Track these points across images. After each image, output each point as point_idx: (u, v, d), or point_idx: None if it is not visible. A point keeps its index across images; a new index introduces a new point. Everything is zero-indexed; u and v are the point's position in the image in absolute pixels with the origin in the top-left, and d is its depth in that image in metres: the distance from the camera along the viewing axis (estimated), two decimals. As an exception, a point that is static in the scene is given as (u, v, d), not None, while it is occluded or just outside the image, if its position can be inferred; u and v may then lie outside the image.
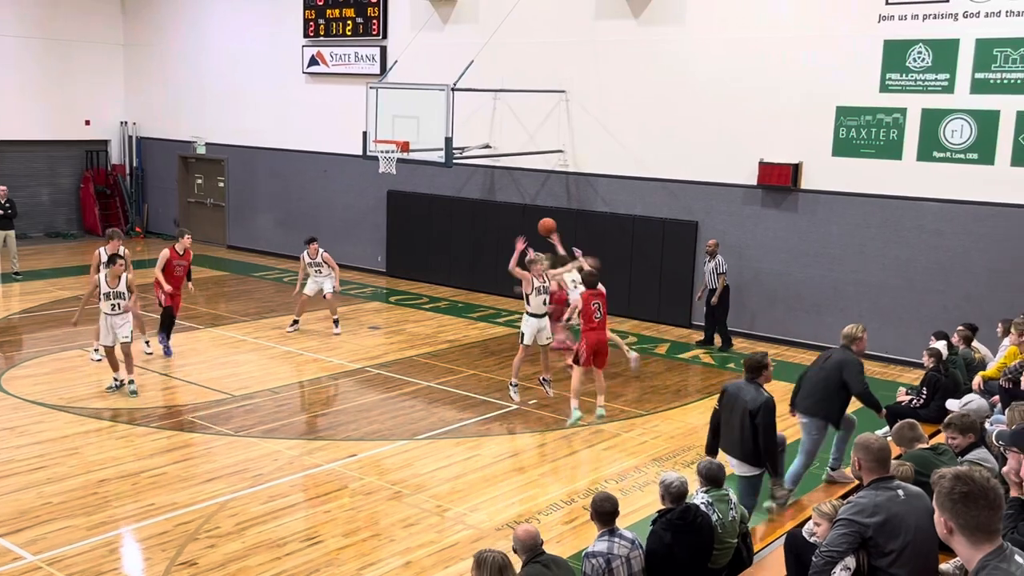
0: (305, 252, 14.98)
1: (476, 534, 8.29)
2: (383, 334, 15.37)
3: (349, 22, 20.11)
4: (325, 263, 14.89)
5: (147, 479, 9.26)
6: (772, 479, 8.32)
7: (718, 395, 8.36)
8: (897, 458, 6.25)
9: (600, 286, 11.28)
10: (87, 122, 24.21)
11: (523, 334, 11.73)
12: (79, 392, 11.87)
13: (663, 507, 6.44)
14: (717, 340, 15.00)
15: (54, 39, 23.20)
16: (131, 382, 11.78)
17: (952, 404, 9.38)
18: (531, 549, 5.76)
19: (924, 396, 9.92)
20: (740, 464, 8.09)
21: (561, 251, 13.47)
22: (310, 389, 12.47)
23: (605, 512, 6.15)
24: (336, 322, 15.12)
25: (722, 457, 7.87)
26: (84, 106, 24.00)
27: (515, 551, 5.86)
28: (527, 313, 11.70)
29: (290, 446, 10.34)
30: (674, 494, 6.37)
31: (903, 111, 14.03)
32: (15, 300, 17.17)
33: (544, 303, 11.75)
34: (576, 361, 11.11)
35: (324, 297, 14.98)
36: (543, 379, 11.99)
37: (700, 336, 15.37)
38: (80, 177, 24.45)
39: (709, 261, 14.69)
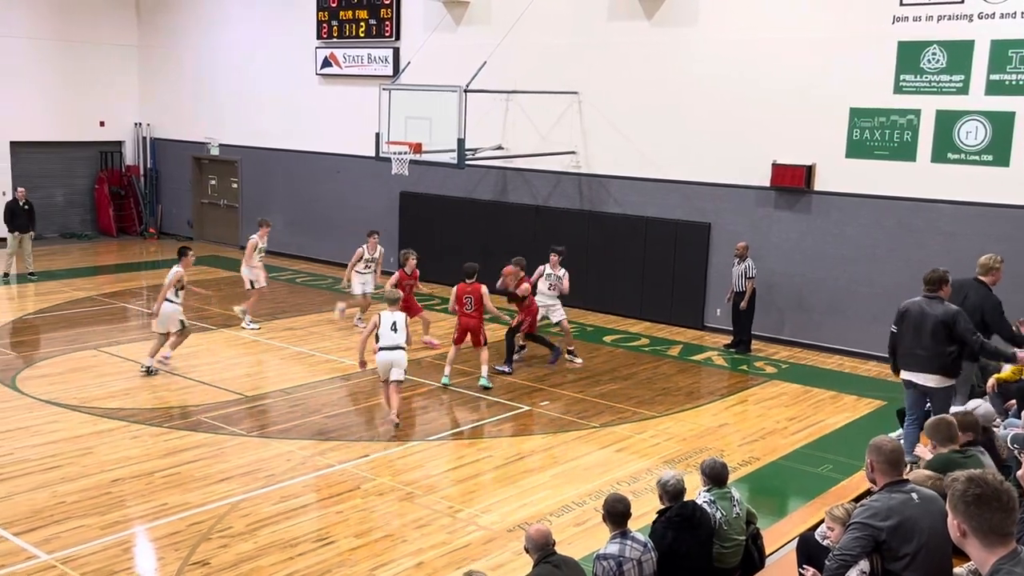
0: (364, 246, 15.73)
1: (488, 535, 8.30)
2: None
3: (362, 24, 20.16)
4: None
5: (160, 479, 9.30)
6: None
7: (896, 316, 8.47)
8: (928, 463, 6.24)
9: (474, 281, 12.68)
10: (102, 123, 24.35)
11: None
12: (93, 392, 11.93)
13: (662, 506, 6.46)
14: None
15: (69, 41, 23.34)
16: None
17: (954, 408, 9.32)
18: (543, 548, 5.79)
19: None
20: (935, 377, 8.12)
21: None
22: (323, 390, 12.49)
23: (618, 513, 6.14)
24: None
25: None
26: (98, 108, 24.14)
27: (527, 551, 5.89)
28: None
29: (302, 446, 10.36)
30: (671, 492, 6.40)
31: (917, 112, 13.97)
32: (30, 301, 17.26)
33: None
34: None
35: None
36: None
37: (726, 340, 15.29)
38: (95, 178, 24.59)
39: (738, 264, 14.64)
